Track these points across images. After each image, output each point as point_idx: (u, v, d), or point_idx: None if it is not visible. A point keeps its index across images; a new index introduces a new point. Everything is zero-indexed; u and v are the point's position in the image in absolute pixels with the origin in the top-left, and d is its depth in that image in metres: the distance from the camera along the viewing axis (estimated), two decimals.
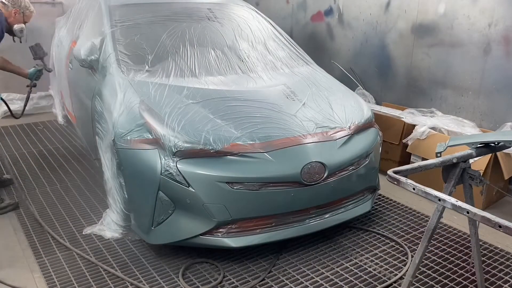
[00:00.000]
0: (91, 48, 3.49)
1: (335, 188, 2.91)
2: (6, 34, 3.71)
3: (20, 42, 3.90)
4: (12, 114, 4.14)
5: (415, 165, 1.95)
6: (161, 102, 2.98)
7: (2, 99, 3.91)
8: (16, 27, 3.68)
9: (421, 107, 4.53)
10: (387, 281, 2.76)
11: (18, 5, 3.66)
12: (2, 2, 3.59)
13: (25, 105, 4.16)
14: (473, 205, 1.95)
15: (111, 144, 2.92)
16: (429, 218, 2.41)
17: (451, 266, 2.92)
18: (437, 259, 2.99)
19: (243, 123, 2.87)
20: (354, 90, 4.93)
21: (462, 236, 3.26)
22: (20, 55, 4.27)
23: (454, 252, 3.07)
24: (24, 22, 3.77)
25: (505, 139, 2.16)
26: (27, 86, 3.99)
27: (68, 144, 4.94)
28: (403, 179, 1.84)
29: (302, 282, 2.74)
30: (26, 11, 3.74)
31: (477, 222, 2.03)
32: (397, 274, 2.82)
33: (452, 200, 1.70)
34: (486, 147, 2.12)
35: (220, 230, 2.74)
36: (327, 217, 2.98)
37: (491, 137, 2.33)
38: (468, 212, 1.63)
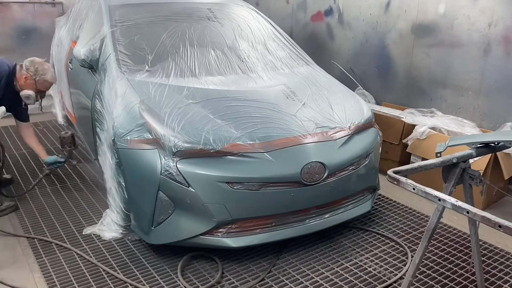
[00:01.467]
0: (91, 48, 3.49)
1: (335, 188, 2.91)
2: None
3: (23, 104, 3.55)
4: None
5: (415, 165, 1.95)
6: (161, 102, 2.98)
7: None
8: (22, 93, 3.41)
9: (421, 107, 4.53)
10: (387, 281, 2.76)
11: (32, 71, 3.40)
12: (21, 64, 3.43)
13: (34, 185, 3.74)
14: (473, 205, 1.95)
15: (111, 144, 2.92)
16: (429, 218, 2.41)
17: (451, 266, 2.92)
18: (437, 259, 2.99)
19: (243, 123, 2.87)
20: (354, 90, 4.92)
21: (462, 236, 3.26)
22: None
23: (454, 252, 3.07)
24: (38, 90, 3.49)
25: (505, 139, 2.16)
26: (41, 172, 3.81)
27: None
28: (403, 179, 1.84)
29: (302, 282, 2.74)
30: (39, 78, 3.43)
31: (477, 222, 2.03)
32: (397, 274, 2.82)
33: (452, 200, 1.70)
34: (486, 147, 2.12)
35: (220, 230, 2.74)
36: (327, 217, 2.98)
37: (491, 137, 2.33)
38: (468, 212, 1.63)
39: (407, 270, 2.63)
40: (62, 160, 3.77)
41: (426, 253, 2.95)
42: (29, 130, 3.74)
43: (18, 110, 3.61)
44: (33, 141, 3.76)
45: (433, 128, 4.08)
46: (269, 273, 2.82)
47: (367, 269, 2.88)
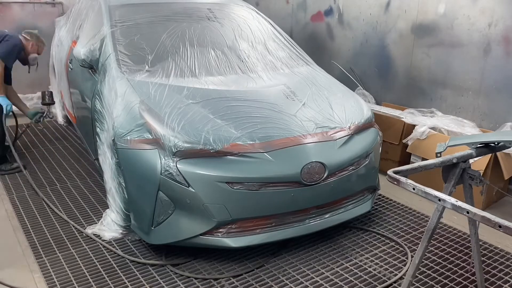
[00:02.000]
0: (91, 48, 3.49)
1: (335, 188, 2.91)
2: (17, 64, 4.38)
3: (29, 70, 4.55)
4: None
5: (415, 165, 1.95)
6: (161, 102, 2.98)
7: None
8: (31, 56, 4.46)
9: (421, 107, 4.53)
10: (387, 281, 2.76)
11: (35, 39, 4.46)
12: (24, 36, 4.41)
13: (15, 139, 4.68)
14: (473, 205, 1.95)
15: (111, 144, 2.92)
16: (429, 218, 2.41)
17: (451, 266, 2.92)
18: (437, 259, 2.99)
19: (243, 123, 2.87)
20: (354, 90, 4.92)
21: (462, 236, 3.26)
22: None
23: (454, 252, 3.07)
24: (38, 53, 4.52)
25: (505, 139, 2.16)
26: (26, 125, 4.72)
27: (68, 144, 4.94)
28: (403, 179, 1.84)
29: (302, 282, 2.74)
30: (40, 44, 4.52)
31: (477, 222, 2.03)
32: (397, 274, 2.82)
33: (452, 200, 1.70)
34: (486, 147, 2.12)
35: (220, 230, 2.74)
36: (327, 217, 2.98)
37: (491, 137, 2.33)
38: (468, 212, 1.63)
39: (407, 270, 2.63)
40: (43, 112, 4.50)
41: (426, 253, 2.95)
42: (14, 91, 4.55)
43: (10, 76, 4.41)
44: (17, 98, 4.57)
45: (433, 128, 4.08)
46: (269, 272, 2.82)
47: (367, 269, 2.88)
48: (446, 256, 3.03)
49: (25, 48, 4.41)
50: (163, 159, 2.68)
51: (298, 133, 2.90)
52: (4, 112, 4.05)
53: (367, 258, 2.99)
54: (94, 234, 3.16)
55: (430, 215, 2.05)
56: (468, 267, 2.87)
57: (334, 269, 2.87)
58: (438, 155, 2.04)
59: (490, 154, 3.46)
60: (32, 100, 5.97)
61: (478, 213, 1.59)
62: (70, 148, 4.83)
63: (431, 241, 2.17)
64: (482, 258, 2.95)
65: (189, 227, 2.74)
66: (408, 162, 4.15)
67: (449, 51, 4.32)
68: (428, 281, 2.77)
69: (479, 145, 2.09)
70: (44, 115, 4.50)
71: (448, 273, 2.84)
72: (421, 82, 4.64)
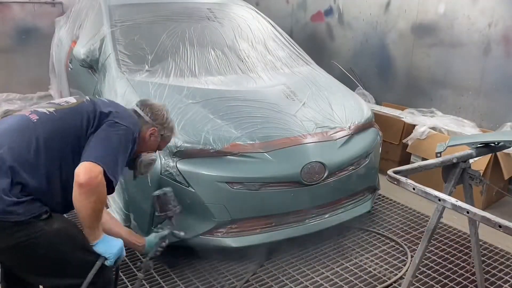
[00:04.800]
0: (91, 48, 3.49)
1: (335, 188, 2.91)
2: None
3: (134, 176, 2.23)
4: None
5: (415, 165, 1.95)
6: (161, 102, 2.97)
7: None
8: (144, 158, 2.13)
9: (421, 107, 4.53)
10: (387, 281, 2.76)
11: (160, 122, 2.14)
12: (135, 110, 2.12)
13: None
14: (473, 205, 1.95)
15: None
16: (429, 218, 2.41)
17: (451, 266, 2.92)
18: (437, 259, 2.99)
19: (243, 123, 2.87)
20: (354, 90, 4.92)
21: (462, 236, 3.26)
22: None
23: (454, 252, 3.07)
24: (159, 149, 2.26)
25: (505, 139, 2.16)
26: (141, 264, 2.30)
27: None
28: (403, 179, 1.84)
29: (302, 282, 2.74)
30: (167, 133, 2.19)
31: (477, 222, 2.03)
32: (397, 274, 2.82)
33: (452, 200, 1.70)
34: (486, 147, 2.12)
35: (220, 230, 2.74)
36: (327, 217, 2.98)
37: (491, 137, 2.33)
38: (468, 212, 1.63)
39: (407, 270, 2.63)
40: (166, 234, 2.35)
41: (426, 253, 2.95)
42: (112, 217, 2.37)
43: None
44: (119, 226, 2.31)
45: (433, 128, 4.08)
46: (269, 272, 2.82)
47: (367, 269, 2.88)
48: (446, 256, 3.03)
49: (141, 138, 2.06)
50: (163, 159, 2.67)
51: (298, 133, 2.89)
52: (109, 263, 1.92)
53: (367, 258, 2.99)
54: None
55: (430, 215, 2.05)
56: (468, 267, 2.87)
57: (334, 269, 2.87)
58: (438, 155, 2.04)
59: (490, 154, 3.46)
60: (31, 100, 5.96)
61: (478, 213, 1.59)
62: None
63: (431, 241, 2.17)
64: (482, 258, 2.95)
65: (189, 227, 2.73)
66: (408, 162, 4.14)
67: (449, 51, 4.32)
68: (428, 281, 2.77)
69: (479, 145, 2.09)
70: (166, 238, 2.35)
71: (448, 273, 2.84)
72: (421, 82, 4.64)
